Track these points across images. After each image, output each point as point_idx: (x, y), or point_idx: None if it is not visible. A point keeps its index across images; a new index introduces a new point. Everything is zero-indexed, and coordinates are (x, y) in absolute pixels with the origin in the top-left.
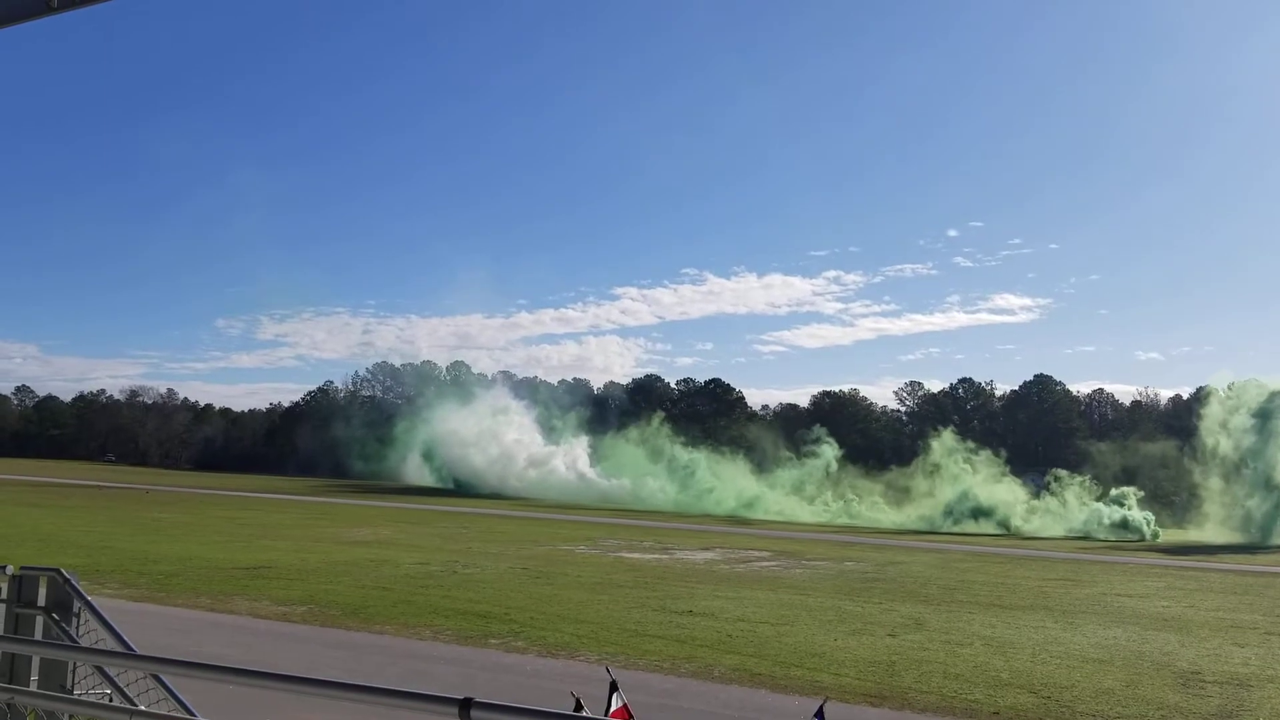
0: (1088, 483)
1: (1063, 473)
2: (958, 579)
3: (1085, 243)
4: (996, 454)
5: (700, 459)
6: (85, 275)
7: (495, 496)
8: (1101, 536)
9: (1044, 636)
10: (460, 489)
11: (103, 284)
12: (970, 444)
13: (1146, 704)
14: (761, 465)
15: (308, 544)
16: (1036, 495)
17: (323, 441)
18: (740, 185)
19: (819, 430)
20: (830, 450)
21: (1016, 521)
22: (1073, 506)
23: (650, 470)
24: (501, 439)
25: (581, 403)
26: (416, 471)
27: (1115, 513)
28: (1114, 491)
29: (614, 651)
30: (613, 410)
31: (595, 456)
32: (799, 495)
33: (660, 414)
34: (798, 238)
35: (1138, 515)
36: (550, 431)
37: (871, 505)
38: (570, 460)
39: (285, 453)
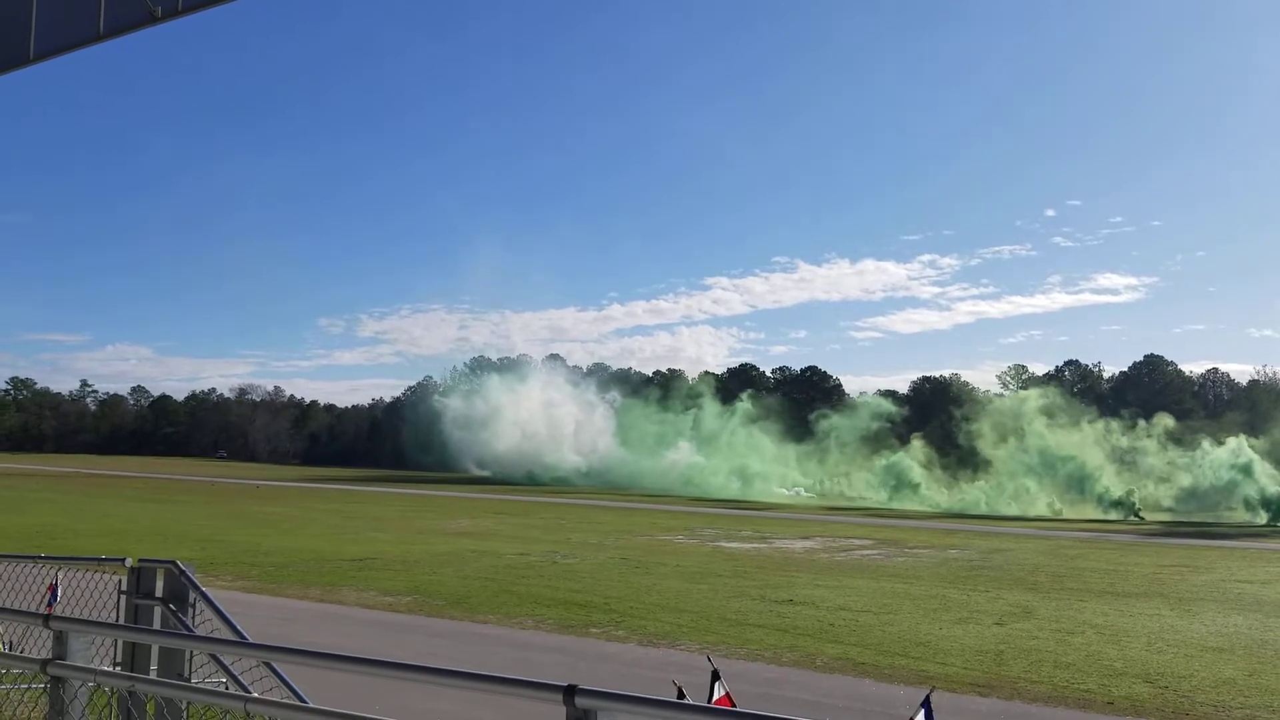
0: (1168, 428)
1: (1125, 415)
2: (1067, 566)
3: (1190, 219)
4: (1079, 406)
5: (740, 406)
6: (192, 274)
7: (527, 483)
8: (1208, 489)
9: (1160, 624)
10: (494, 476)
11: (208, 283)
12: (1039, 381)
13: (1270, 694)
14: (794, 434)
15: (410, 535)
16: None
17: (413, 435)
18: (829, 173)
19: (868, 391)
20: (884, 404)
21: (1104, 480)
22: (1153, 452)
23: (668, 444)
24: (514, 415)
25: (614, 379)
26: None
27: (1231, 455)
28: (1217, 448)
29: (715, 641)
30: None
31: (620, 430)
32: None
33: (701, 373)
34: (890, 222)
35: (1256, 458)
36: (586, 408)
37: (914, 467)
38: (590, 435)
39: (386, 446)
